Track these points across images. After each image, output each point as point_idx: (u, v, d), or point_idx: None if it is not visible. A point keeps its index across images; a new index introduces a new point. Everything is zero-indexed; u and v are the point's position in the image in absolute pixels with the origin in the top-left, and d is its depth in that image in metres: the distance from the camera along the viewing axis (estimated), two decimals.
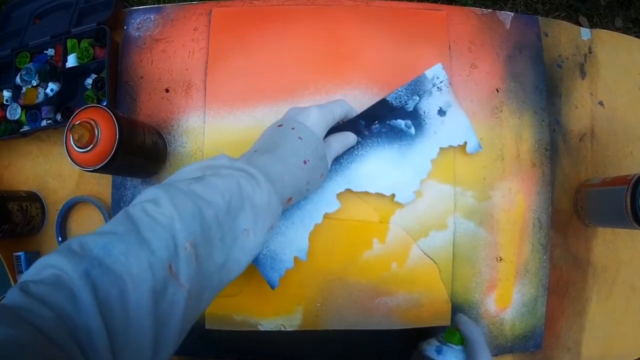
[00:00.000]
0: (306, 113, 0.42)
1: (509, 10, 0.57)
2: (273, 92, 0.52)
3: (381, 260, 0.51)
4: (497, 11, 0.56)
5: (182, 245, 0.31)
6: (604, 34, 0.59)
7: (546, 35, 0.57)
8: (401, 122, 0.49)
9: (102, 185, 0.54)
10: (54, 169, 0.55)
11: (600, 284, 0.55)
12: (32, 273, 0.27)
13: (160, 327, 0.29)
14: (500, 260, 0.52)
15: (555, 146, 0.55)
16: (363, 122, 0.48)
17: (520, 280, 0.52)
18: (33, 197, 0.54)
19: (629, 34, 0.60)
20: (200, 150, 0.52)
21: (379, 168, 0.49)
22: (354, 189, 0.49)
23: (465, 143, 0.50)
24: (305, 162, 0.40)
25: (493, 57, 0.54)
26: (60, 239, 0.53)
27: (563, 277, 0.54)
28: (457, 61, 0.54)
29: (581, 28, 0.58)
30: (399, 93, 0.49)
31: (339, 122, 0.47)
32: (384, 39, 0.54)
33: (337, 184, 0.48)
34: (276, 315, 0.50)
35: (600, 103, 0.57)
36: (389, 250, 0.51)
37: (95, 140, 0.41)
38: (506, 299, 0.52)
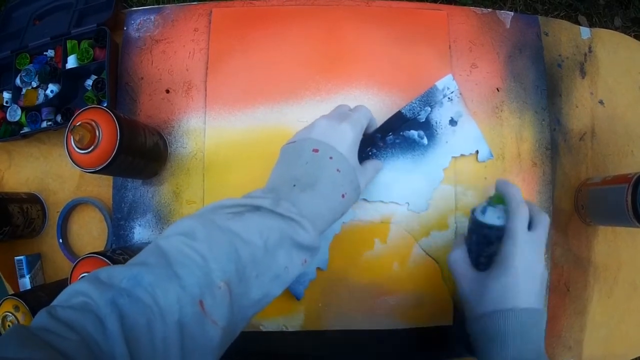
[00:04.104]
0: (341, 135, 0.40)
1: (508, 10, 0.57)
2: (274, 92, 0.52)
3: (383, 260, 0.51)
4: (497, 11, 0.56)
5: (216, 285, 0.30)
6: (604, 33, 0.59)
7: (546, 34, 0.57)
8: (414, 133, 0.50)
9: (102, 186, 0.54)
10: (54, 171, 0.55)
11: (601, 283, 0.55)
12: (62, 299, 0.28)
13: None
14: None
15: (556, 145, 0.55)
16: (379, 135, 0.49)
17: None
18: (33, 199, 0.54)
19: (628, 33, 0.60)
20: (201, 151, 0.52)
21: (393, 178, 0.50)
22: (369, 199, 0.50)
23: (477, 152, 0.51)
24: (343, 196, 0.39)
25: (493, 57, 0.54)
26: (60, 240, 0.53)
27: (564, 276, 0.54)
28: (457, 61, 0.54)
29: (581, 27, 0.58)
30: (413, 105, 0.50)
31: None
32: (384, 39, 0.54)
33: None
34: (278, 316, 0.50)
35: (601, 102, 0.57)
36: (390, 250, 0.51)
37: (96, 141, 0.41)
38: None
